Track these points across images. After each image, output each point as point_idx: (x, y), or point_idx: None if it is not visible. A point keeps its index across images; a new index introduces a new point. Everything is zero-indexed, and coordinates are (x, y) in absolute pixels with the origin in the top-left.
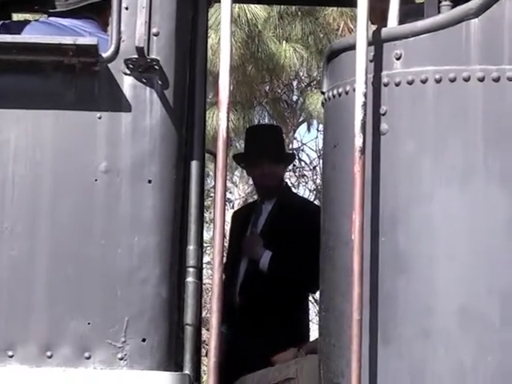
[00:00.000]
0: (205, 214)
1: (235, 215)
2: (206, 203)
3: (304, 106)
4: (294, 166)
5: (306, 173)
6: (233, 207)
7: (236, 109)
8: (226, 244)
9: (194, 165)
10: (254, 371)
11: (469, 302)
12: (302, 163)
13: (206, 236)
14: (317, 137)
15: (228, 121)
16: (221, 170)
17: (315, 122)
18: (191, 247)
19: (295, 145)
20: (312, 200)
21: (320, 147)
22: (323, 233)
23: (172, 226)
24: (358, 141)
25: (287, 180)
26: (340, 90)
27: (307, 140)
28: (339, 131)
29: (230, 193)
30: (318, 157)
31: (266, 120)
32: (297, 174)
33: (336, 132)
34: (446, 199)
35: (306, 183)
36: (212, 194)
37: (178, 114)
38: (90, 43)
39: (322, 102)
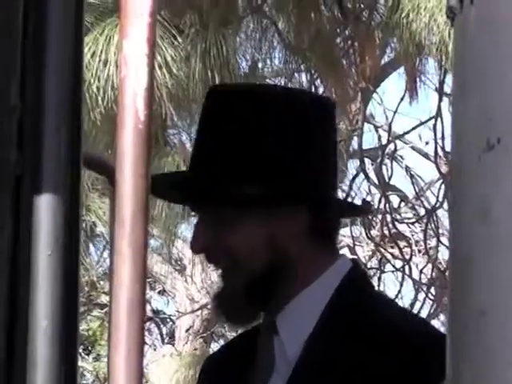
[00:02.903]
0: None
1: (212, 366)
2: (84, 323)
3: (392, 20)
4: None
5: (405, 228)
6: (172, 339)
7: (178, 28)
8: None
9: (47, 207)
10: None
11: None
12: (394, 198)
13: None
14: (437, 115)
15: (152, 68)
16: (131, 217)
17: (431, 65)
18: None
19: (368, 141)
20: (427, 321)
21: (446, 148)
22: None
23: None
24: None
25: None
26: None
27: (405, 126)
28: (500, 97)
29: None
30: (443, 178)
31: (276, 61)
32: (374, 233)
33: (491, 100)
34: None
35: (408, 262)
36: (101, 302)
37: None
38: None
39: (448, 15)
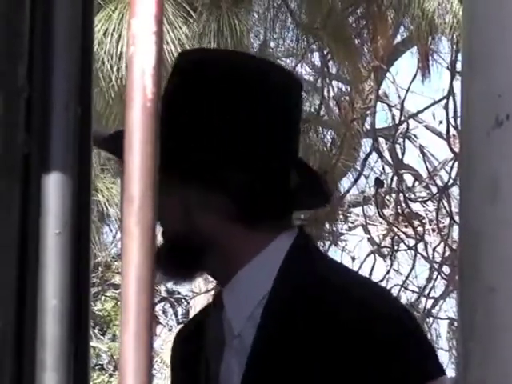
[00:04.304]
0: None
1: (180, 340)
2: (99, 304)
3: None
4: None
5: (419, 207)
6: (187, 319)
7: (192, 6)
8: None
9: (56, 186)
10: None
11: None
12: (407, 177)
13: None
14: (449, 94)
15: (161, 46)
16: (139, 196)
17: (444, 44)
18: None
19: (381, 120)
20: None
21: (459, 127)
22: None
23: None
24: None
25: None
26: None
27: (418, 104)
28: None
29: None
30: (456, 157)
31: (288, 40)
32: (387, 213)
33: (500, 76)
34: None
35: (420, 240)
36: (115, 282)
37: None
38: None
39: None
